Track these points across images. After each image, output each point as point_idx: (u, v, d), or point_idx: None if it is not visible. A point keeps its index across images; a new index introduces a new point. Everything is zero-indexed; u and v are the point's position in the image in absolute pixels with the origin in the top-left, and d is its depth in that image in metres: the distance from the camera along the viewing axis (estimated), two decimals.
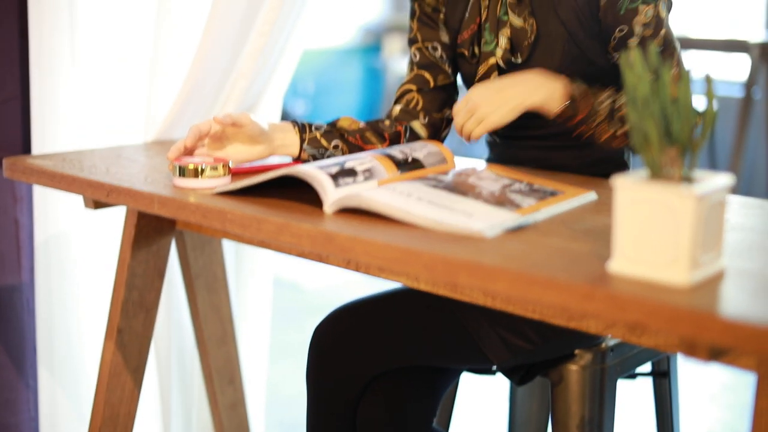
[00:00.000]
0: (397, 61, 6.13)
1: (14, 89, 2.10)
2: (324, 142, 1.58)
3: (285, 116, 5.10)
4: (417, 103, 1.70)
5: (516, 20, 1.58)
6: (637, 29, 1.52)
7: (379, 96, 6.54)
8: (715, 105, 1.04)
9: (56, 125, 2.03)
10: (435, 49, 1.71)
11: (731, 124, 4.58)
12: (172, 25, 1.96)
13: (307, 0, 1.98)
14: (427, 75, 1.71)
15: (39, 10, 2.00)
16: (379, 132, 1.64)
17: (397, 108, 1.70)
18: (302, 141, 1.56)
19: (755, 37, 4.34)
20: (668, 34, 1.53)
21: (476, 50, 1.66)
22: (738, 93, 4.60)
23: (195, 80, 1.88)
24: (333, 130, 1.60)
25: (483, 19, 1.63)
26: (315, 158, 1.58)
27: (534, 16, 1.57)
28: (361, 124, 1.64)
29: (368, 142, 1.62)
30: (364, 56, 6.51)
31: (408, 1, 1.78)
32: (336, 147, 1.59)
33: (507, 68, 1.61)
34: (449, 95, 1.73)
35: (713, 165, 4.58)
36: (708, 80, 1.02)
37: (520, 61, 1.59)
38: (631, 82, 1.03)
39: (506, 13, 1.60)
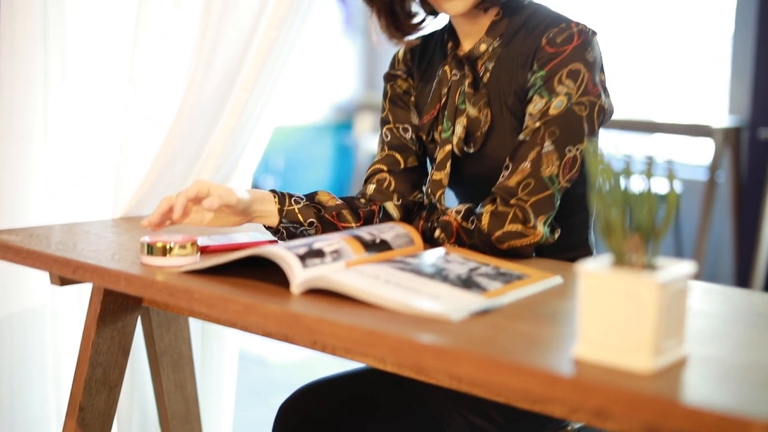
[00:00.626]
0: (368, 139, 6.19)
1: None
2: (300, 217, 1.59)
3: None
4: (390, 184, 1.72)
5: (472, 110, 1.62)
6: (526, 118, 1.55)
7: (350, 173, 6.58)
8: (677, 192, 1.06)
9: (25, 199, 2.03)
10: (406, 130, 1.74)
11: (696, 206, 4.65)
12: (144, 103, 1.97)
13: (279, 80, 2.01)
14: (397, 156, 1.73)
15: (11, 86, 2.01)
16: (354, 210, 1.66)
17: (371, 188, 1.72)
18: (281, 212, 1.58)
19: (719, 122, 4.43)
20: (551, 132, 1.51)
21: (434, 135, 1.69)
22: (703, 176, 4.68)
23: (165, 159, 1.89)
24: (311, 204, 1.62)
25: (442, 105, 1.67)
26: (289, 232, 1.59)
27: (489, 107, 1.61)
28: (338, 201, 1.65)
29: (343, 220, 1.64)
30: (336, 133, 6.56)
31: (380, 80, 1.82)
32: (311, 224, 1.60)
33: (461, 156, 1.64)
34: (419, 177, 1.76)
35: (679, 247, 4.63)
36: (670, 173, 1.04)
37: (473, 150, 1.62)
38: (594, 169, 1.05)
39: (464, 102, 1.63)
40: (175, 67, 1.97)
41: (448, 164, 1.63)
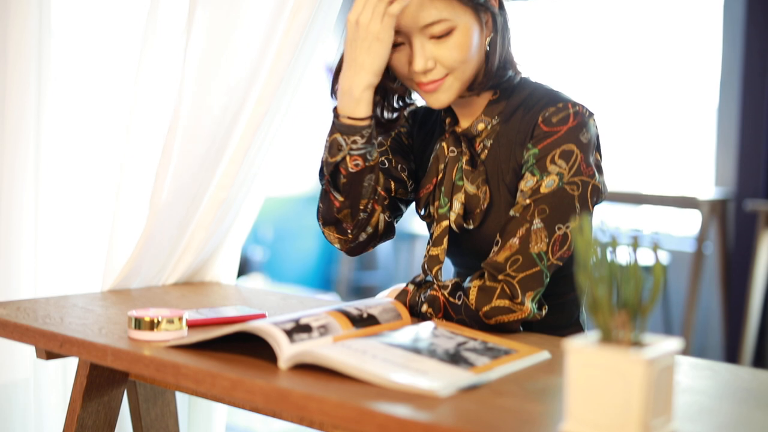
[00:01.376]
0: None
1: None
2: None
3: (243, 263, 5.06)
4: (385, 199, 1.70)
5: (470, 187, 1.62)
6: (518, 194, 1.56)
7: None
8: (663, 267, 1.06)
9: (16, 271, 2.03)
10: (403, 170, 1.73)
11: (684, 278, 4.66)
12: (135, 175, 1.99)
13: (268, 152, 2.02)
14: (392, 184, 1.71)
15: (2, 161, 2.03)
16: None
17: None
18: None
19: (705, 194, 4.47)
20: (541, 210, 1.52)
21: (430, 210, 1.70)
22: (690, 248, 4.70)
23: (153, 231, 1.89)
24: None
25: (438, 180, 1.68)
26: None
27: (487, 184, 1.62)
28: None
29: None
30: None
31: None
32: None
33: (459, 233, 1.65)
34: (400, 210, 1.75)
35: (667, 319, 4.63)
36: (655, 246, 1.05)
37: (472, 227, 1.63)
38: (581, 247, 1.06)
39: (461, 179, 1.64)
40: (163, 139, 1.99)
41: (445, 240, 1.63)
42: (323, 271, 6.62)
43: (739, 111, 4.75)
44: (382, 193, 1.68)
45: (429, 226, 1.72)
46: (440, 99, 1.59)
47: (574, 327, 1.69)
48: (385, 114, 1.70)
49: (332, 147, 1.60)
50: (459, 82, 1.58)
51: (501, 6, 1.62)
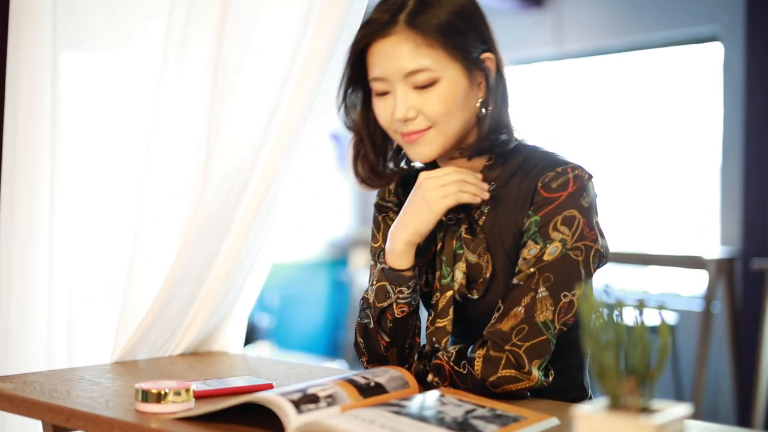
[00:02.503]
0: (363, 275, 6.21)
1: None
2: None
3: (250, 330, 5.04)
4: None
5: (471, 256, 1.61)
6: (520, 261, 1.54)
7: (345, 309, 6.57)
8: (670, 332, 1.06)
9: (22, 344, 2.03)
10: None
11: (693, 337, 4.64)
12: (144, 246, 1.99)
13: (275, 222, 2.03)
14: None
15: (10, 232, 2.04)
16: None
17: None
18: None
19: (711, 253, 4.47)
20: (546, 278, 1.51)
21: (428, 278, 1.69)
22: (698, 307, 4.68)
23: (161, 304, 1.90)
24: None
25: (437, 249, 1.66)
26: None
27: (489, 252, 1.60)
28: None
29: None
30: (331, 270, 6.58)
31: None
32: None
33: (463, 302, 1.63)
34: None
35: (677, 380, 4.59)
36: (663, 324, 1.05)
37: (476, 296, 1.61)
38: (587, 312, 1.06)
39: (461, 247, 1.63)
40: (174, 211, 2.00)
41: (451, 311, 1.61)
42: (331, 337, 6.60)
43: (743, 169, 4.77)
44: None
45: (426, 296, 1.70)
46: (422, 152, 1.57)
47: (579, 391, 1.68)
48: (387, 167, 1.70)
49: (379, 293, 1.62)
50: (442, 136, 1.56)
51: (499, 71, 1.60)
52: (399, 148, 1.70)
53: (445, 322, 1.61)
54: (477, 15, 1.58)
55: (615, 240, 5.39)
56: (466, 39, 1.54)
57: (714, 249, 4.76)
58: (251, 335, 5.63)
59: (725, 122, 4.94)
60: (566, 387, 1.65)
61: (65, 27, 2.13)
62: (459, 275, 1.62)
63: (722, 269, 4.45)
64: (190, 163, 1.95)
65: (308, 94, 1.82)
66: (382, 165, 1.69)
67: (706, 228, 5.20)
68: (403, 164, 1.72)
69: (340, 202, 6.55)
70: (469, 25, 1.55)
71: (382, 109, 1.58)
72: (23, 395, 1.56)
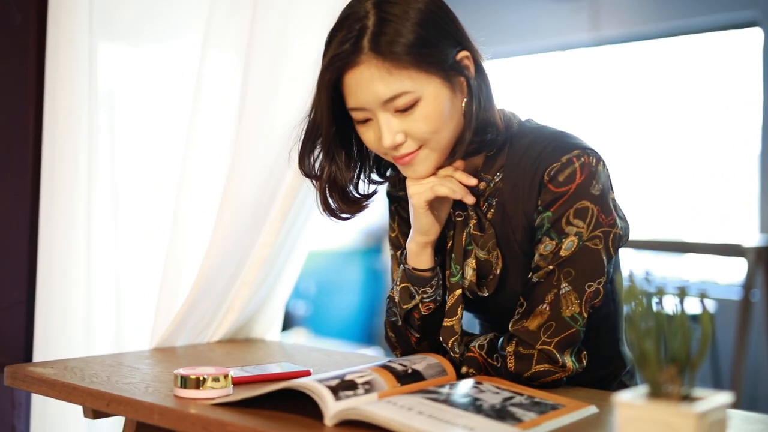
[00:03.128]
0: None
1: (21, 294, 2.13)
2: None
3: (287, 318, 5.06)
4: None
5: (480, 252, 1.58)
6: (536, 257, 1.51)
7: (380, 297, 6.58)
8: (711, 321, 1.05)
9: (62, 330, 2.05)
10: None
11: (732, 326, 4.59)
12: (182, 233, 2.01)
13: (312, 211, 2.04)
14: None
15: (50, 219, 2.06)
16: None
17: None
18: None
19: (750, 241, 4.41)
20: (567, 273, 1.49)
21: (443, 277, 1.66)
22: (737, 296, 4.64)
23: (198, 291, 1.91)
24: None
25: (448, 248, 1.63)
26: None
27: (499, 247, 1.57)
28: None
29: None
30: (365, 258, 6.59)
31: None
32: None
33: (474, 299, 1.61)
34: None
35: (716, 368, 4.55)
36: (704, 312, 1.04)
37: (486, 294, 1.58)
38: (628, 300, 1.06)
39: (471, 243, 1.59)
40: (211, 200, 2.01)
41: (459, 309, 1.58)
42: (366, 324, 6.61)
43: None
44: None
45: None
46: (417, 171, 1.52)
47: (616, 363, 1.68)
48: (360, 188, 1.63)
49: (403, 294, 1.61)
50: (435, 152, 1.50)
51: (478, 66, 1.52)
52: (376, 162, 1.65)
53: (452, 322, 1.58)
54: (441, 16, 1.48)
55: (653, 228, 5.35)
56: (438, 49, 1.45)
57: (753, 237, 4.70)
58: (288, 322, 5.66)
59: (765, 108, 4.87)
60: (603, 362, 1.64)
61: (102, 19, 2.14)
62: (469, 272, 1.59)
63: (761, 257, 4.39)
64: (225, 155, 1.96)
65: None
66: (354, 188, 1.62)
67: (745, 216, 5.15)
68: (374, 183, 1.66)
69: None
70: (437, 31, 1.46)
71: (367, 135, 1.51)
72: (64, 380, 1.58)
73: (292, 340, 5.46)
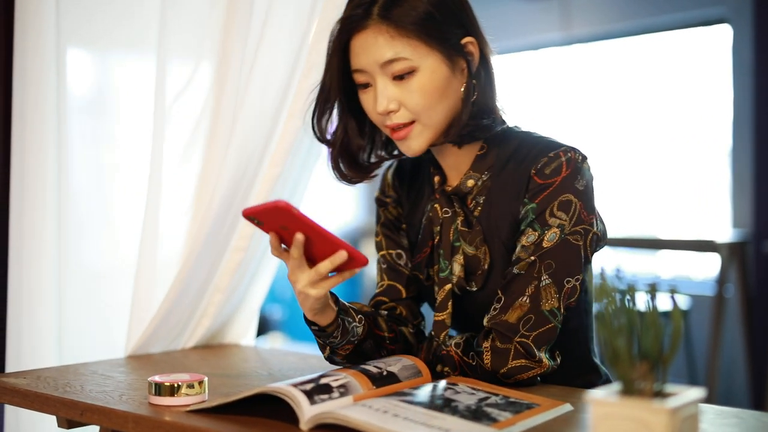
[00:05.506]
0: (373, 265, 6.20)
1: None
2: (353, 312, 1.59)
3: (262, 322, 5.04)
4: (401, 313, 1.71)
5: (468, 248, 1.60)
6: (518, 248, 1.53)
7: (357, 300, 6.57)
8: (681, 315, 1.06)
9: (34, 340, 2.03)
10: (399, 256, 1.74)
11: (706, 322, 4.62)
12: (154, 240, 2.00)
13: None
14: (398, 286, 1.73)
15: (20, 223, 2.05)
16: (386, 323, 1.66)
17: (383, 314, 1.71)
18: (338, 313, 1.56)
19: (723, 236, 4.45)
20: (548, 265, 1.50)
21: (430, 273, 1.68)
22: (711, 291, 4.67)
23: (172, 297, 1.90)
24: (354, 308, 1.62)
25: (435, 243, 1.65)
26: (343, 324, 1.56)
27: (486, 243, 1.58)
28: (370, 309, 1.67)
29: (379, 328, 1.64)
30: None
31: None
32: (360, 320, 1.59)
33: (462, 295, 1.62)
34: (419, 304, 1.75)
35: (691, 364, 4.58)
36: (675, 308, 1.05)
37: (475, 288, 1.59)
38: (600, 297, 1.06)
39: (458, 240, 1.61)
40: (183, 206, 2.00)
41: (449, 304, 1.60)
42: None
43: (753, 152, 4.75)
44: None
45: (429, 290, 1.69)
46: (411, 146, 1.55)
47: (591, 375, 1.68)
48: (372, 158, 1.67)
49: (319, 346, 1.62)
50: (428, 129, 1.54)
51: (483, 56, 1.57)
52: (387, 140, 1.68)
53: (443, 316, 1.59)
54: (456, 3, 1.55)
55: (626, 225, 5.38)
56: (444, 27, 1.51)
57: (726, 232, 4.74)
58: (263, 327, 5.64)
59: (735, 105, 4.91)
60: (577, 372, 1.65)
61: (71, 25, 2.13)
62: (457, 268, 1.60)
63: (734, 252, 4.43)
64: (196, 159, 1.96)
65: (313, 85, 1.82)
66: (366, 157, 1.66)
67: (717, 211, 5.19)
68: (384, 154, 1.69)
69: (348, 193, 6.55)
70: (447, 14, 1.52)
71: (366, 102, 1.57)
72: (37, 390, 1.56)
73: (267, 345, 5.44)
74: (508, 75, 6.01)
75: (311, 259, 1.46)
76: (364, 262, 1.42)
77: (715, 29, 5.19)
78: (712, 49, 5.22)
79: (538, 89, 5.86)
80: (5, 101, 2.15)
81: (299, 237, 1.40)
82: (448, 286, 1.61)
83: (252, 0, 1.90)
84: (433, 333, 1.60)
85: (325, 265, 1.42)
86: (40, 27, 2.04)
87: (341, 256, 1.40)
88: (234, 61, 1.90)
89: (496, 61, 1.61)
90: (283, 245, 1.46)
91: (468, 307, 1.64)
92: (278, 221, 1.40)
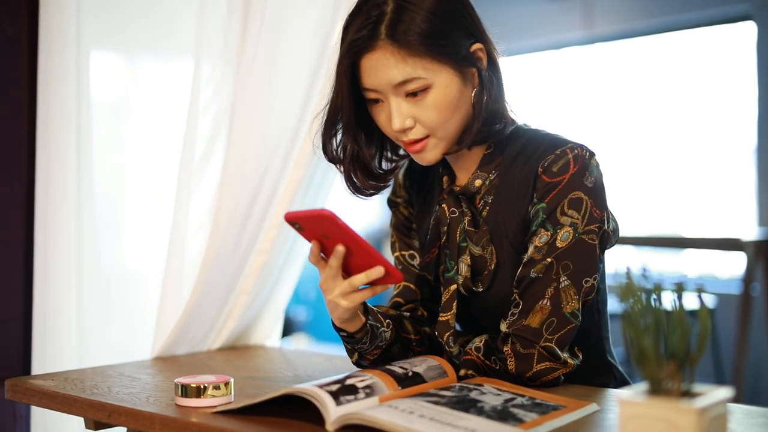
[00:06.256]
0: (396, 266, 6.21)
1: (18, 307, 2.13)
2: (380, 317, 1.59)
3: (287, 323, 5.07)
4: (422, 313, 1.71)
5: (475, 248, 1.59)
6: (531, 249, 1.51)
7: (381, 300, 6.57)
8: (709, 315, 1.05)
9: (60, 342, 2.04)
10: (413, 257, 1.73)
11: (732, 321, 4.59)
12: (180, 242, 2.01)
13: None
14: (412, 287, 1.73)
15: (45, 227, 2.06)
16: (412, 325, 1.66)
17: (407, 315, 1.71)
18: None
19: (749, 234, 4.41)
20: (565, 266, 1.49)
21: (438, 273, 1.67)
22: (737, 289, 4.64)
23: (198, 300, 1.91)
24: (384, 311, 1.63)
25: (442, 243, 1.64)
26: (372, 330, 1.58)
27: (492, 244, 1.57)
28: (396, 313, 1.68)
29: (406, 331, 1.64)
30: None
31: None
32: (388, 325, 1.60)
33: (468, 295, 1.61)
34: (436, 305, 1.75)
35: (718, 363, 4.55)
36: (702, 307, 1.04)
37: (481, 289, 1.59)
38: (626, 297, 1.05)
39: (465, 240, 1.60)
40: (209, 209, 2.01)
41: (454, 305, 1.59)
42: None
43: None
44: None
45: (438, 290, 1.68)
46: (427, 158, 1.55)
47: (606, 374, 1.68)
48: (383, 164, 1.66)
49: (347, 351, 1.64)
50: (443, 141, 1.54)
51: (491, 58, 1.55)
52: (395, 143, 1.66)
53: (447, 317, 1.58)
54: (458, 7, 1.51)
55: (651, 224, 5.35)
56: (452, 40, 1.49)
57: (751, 230, 4.70)
58: (288, 328, 5.65)
59: (759, 102, 4.87)
60: (591, 373, 1.63)
61: (93, 29, 2.14)
62: (464, 268, 1.60)
63: (760, 251, 4.39)
64: (220, 162, 1.96)
65: None
66: (378, 163, 1.65)
67: (743, 209, 5.15)
68: (394, 157, 1.68)
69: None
70: (453, 23, 1.49)
71: (379, 117, 1.55)
72: (65, 392, 1.57)
73: (292, 346, 5.45)
74: (531, 75, 5.99)
75: (345, 270, 1.46)
76: (399, 278, 1.42)
77: (739, 26, 5.16)
78: (736, 47, 5.19)
79: (561, 89, 5.84)
80: (30, 108, 2.16)
81: (340, 249, 1.40)
82: (453, 287, 1.60)
83: (272, 2, 1.90)
84: (436, 333, 1.59)
85: (359, 278, 1.43)
86: (63, 33, 2.05)
87: (378, 271, 1.40)
88: (257, 63, 1.91)
89: (505, 63, 1.59)
90: (321, 254, 1.46)
91: (474, 308, 1.63)
92: (320, 229, 1.41)
